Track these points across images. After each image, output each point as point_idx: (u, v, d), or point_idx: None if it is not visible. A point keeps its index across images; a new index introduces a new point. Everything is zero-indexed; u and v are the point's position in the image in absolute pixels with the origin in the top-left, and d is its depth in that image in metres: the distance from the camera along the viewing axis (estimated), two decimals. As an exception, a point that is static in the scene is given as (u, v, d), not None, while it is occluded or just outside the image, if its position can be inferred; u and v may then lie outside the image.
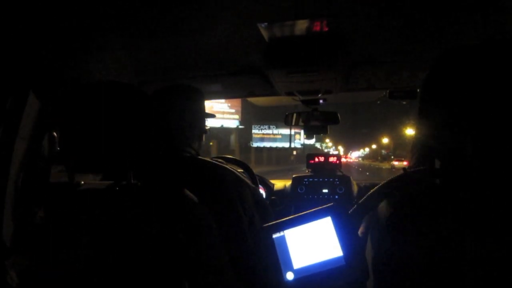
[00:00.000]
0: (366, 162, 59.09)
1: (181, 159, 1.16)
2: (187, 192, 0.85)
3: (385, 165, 39.39)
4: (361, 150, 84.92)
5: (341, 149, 75.35)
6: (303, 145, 42.71)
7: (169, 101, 1.18)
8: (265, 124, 38.67)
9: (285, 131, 38.53)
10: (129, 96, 0.83)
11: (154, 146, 0.87)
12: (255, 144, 37.07)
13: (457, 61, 0.67)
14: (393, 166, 29.13)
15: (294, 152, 37.71)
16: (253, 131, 38.16)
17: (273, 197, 2.25)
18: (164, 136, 1.12)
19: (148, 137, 0.85)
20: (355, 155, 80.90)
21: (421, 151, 0.78)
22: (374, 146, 70.76)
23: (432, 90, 0.72)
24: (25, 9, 0.92)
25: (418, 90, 1.75)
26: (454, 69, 0.67)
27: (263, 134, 38.80)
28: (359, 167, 37.58)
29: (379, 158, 58.82)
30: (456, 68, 0.66)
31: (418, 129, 0.78)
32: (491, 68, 0.62)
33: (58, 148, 1.11)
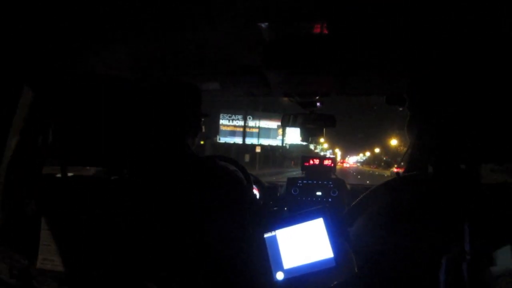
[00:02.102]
0: (367, 168, 53.37)
1: (178, 156, 1.15)
2: (181, 189, 0.85)
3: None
4: (360, 155, 79.99)
5: (338, 152, 69.22)
6: (289, 145, 33.46)
7: (166, 98, 1.18)
8: (238, 114, 28.74)
9: (266, 123, 30.24)
10: (126, 91, 0.83)
11: (150, 142, 0.86)
12: (222, 140, 28.36)
13: (444, 71, 0.69)
14: (393, 174, 25.80)
15: (257, 150, 24.67)
16: (221, 121, 28.42)
17: (266, 198, 2.25)
18: (161, 132, 1.11)
19: (145, 132, 0.84)
20: (353, 160, 78.40)
21: (414, 157, 0.79)
22: (377, 150, 63.11)
23: (422, 99, 0.73)
24: (24, 3, 0.92)
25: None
26: (441, 79, 0.68)
27: (235, 126, 29.10)
28: (359, 174, 30.40)
29: (383, 164, 52.06)
30: (444, 78, 0.67)
31: (410, 135, 0.79)
32: (479, 77, 0.63)
33: (51, 142, 1.11)
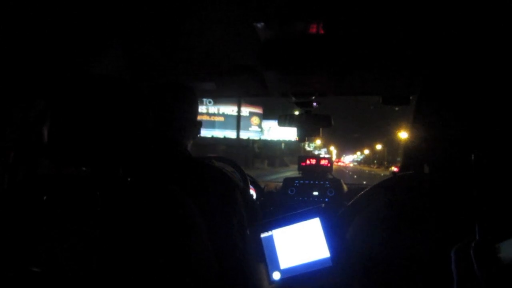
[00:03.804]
0: (366, 168, 48.07)
1: (173, 157, 1.15)
2: (176, 189, 0.84)
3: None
4: (358, 153, 75.80)
5: (333, 150, 62.93)
6: (267, 141, 24.58)
7: (161, 99, 1.18)
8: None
9: (229, 109, 21.53)
10: (123, 92, 0.83)
11: (146, 143, 0.86)
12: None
13: (449, 73, 0.69)
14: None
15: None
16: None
17: (263, 198, 2.26)
18: (156, 133, 1.11)
19: (140, 133, 0.84)
20: (349, 159, 76.62)
21: (410, 156, 0.79)
22: (379, 147, 53.85)
23: (427, 100, 0.73)
24: (24, 3, 0.91)
25: (411, 97, 1.77)
26: (447, 80, 0.68)
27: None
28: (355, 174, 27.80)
29: (385, 163, 46.02)
30: (449, 79, 0.68)
31: (410, 135, 0.79)
32: (481, 80, 0.63)
33: (47, 142, 1.10)
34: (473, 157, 0.59)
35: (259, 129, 22.66)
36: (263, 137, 23.49)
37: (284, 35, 1.22)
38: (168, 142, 1.16)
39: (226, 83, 1.79)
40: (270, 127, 23.10)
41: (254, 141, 23.57)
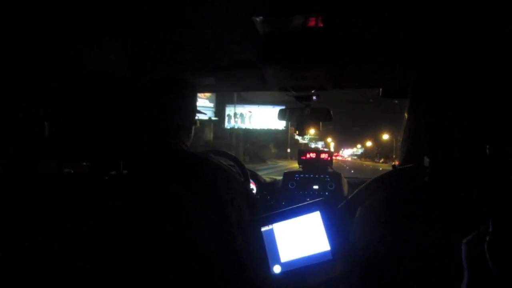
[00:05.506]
0: (369, 162, 44.19)
1: (171, 152, 1.15)
2: (175, 184, 0.85)
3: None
4: (358, 145, 70.85)
5: (331, 143, 58.61)
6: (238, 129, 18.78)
7: (159, 94, 1.18)
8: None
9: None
10: (121, 88, 0.83)
11: (144, 138, 0.86)
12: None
13: (445, 64, 0.69)
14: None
15: None
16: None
17: (263, 192, 2.26)
18: (155, 128, 1.11)
19: (139, 128, 0.84)
20: (347, 153, 75.28)
21: (410, 149, 0.79)
22: (385, 136, 46.73)
23: (422, 90, 0.73)
24: (23, 1, 0.91)
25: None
26: (443, 71, 0.68)
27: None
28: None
29: (394, 156, 37.79)
30: (445, 70, 0.68)
31: (407, 126, 0.79)
32: (477, 72, 0.63)
33: (48, 138, 1.10)
34: (488, 150, 0.59)
35: (211, 105, 16.42)
36: (244, 126, 18.39)
37: (283, 29, 1.22)
38: (166, 137, 1.16)
39: (225, 77, 1.79)
40: (250, 113, 18.06)
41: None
